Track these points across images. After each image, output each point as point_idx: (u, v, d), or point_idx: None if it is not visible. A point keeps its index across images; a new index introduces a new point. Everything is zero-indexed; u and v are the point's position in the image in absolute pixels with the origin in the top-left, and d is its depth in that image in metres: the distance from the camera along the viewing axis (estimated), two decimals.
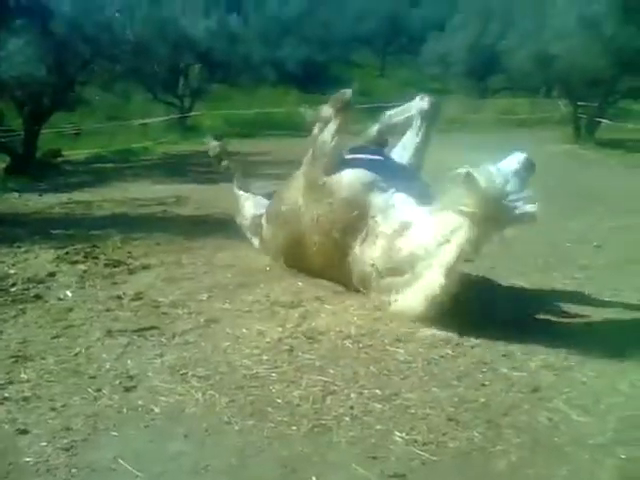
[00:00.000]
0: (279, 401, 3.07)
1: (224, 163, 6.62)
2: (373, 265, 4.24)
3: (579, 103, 15.42)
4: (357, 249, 4.37)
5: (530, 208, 3.52)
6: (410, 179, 4.59)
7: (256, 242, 5.76)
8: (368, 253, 4.28)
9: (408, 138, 4.98)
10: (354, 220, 4.36)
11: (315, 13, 27.08)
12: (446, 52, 23.26)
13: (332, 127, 4.69)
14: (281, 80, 22.81)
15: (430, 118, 4.89)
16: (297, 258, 4.95)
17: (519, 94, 21.37)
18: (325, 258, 4.65)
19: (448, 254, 3.70)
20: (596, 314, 4.19)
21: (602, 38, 13.35)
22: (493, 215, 3.55)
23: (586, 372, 3.35)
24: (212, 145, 6.72)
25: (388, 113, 5.16)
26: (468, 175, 3.57)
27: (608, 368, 3.40)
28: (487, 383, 3.26)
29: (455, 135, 16.12)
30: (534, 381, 3.26)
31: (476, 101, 21.66)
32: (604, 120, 15.17)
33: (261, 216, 5.59)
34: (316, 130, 4.84)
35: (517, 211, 3.53)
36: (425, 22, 28.86)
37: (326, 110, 4.84)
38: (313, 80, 22.78)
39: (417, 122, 4.92)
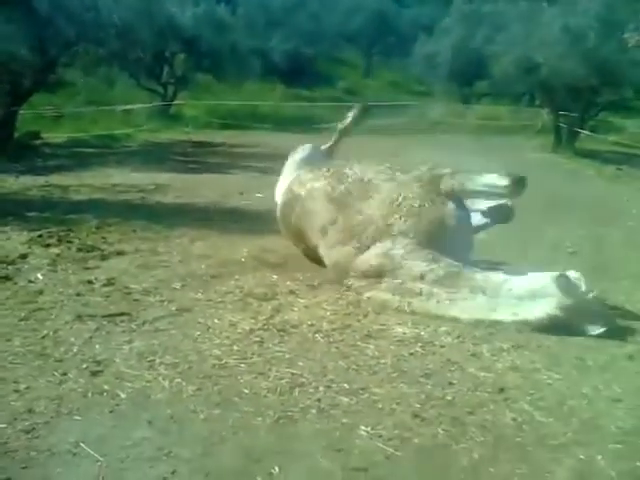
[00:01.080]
0: (246, 391, 3.07)
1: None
2: None
3: (560, 113, 15.61)
4: None
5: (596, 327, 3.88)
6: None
7: None
8: None
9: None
10: None
11: (305, 5, 27.00)
12: (432, 55, 23.34)
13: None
14: (266, 72, 22.69)
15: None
16: None
17: (502, 101, 21.56)
18: None
19: (530, 311, 3.91)
20: None
21: (584, 50, 13.54)
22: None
23: (552, 375, 3.40)
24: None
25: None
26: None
27: (573, 371, 3.46)
28: (454, 382, 3.29)
29: (438, 138, 16.27)
30: (501, 382, 3.30)
31: (460, 106, 21.82)
32: (584, 131, 15.38)
33: None
34: None
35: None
36: (414, 23, 28.96)
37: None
38: (298, 74, 22.72)
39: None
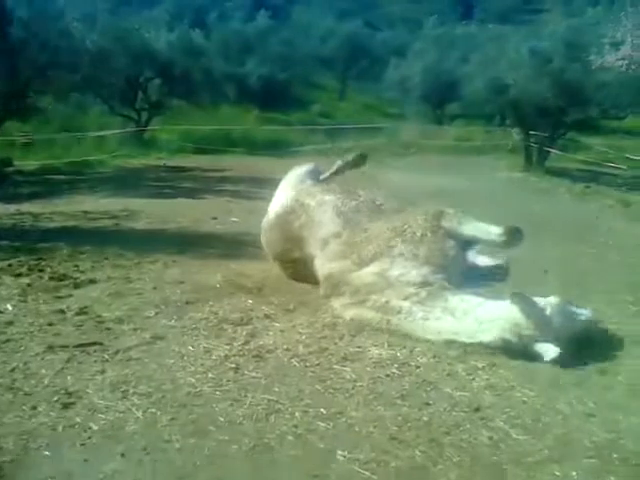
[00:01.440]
0: (222, 419, 3.04)
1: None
2: None
3: (530, 132, 15.93)
4: None
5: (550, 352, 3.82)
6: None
7: None
8: None
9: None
10: None
11: (279, 31, 27.28)
12: (405, 78, 23.71)
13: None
14: (241, 97, 22.79)
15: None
16: None
17: (474, 122, 21.94)
18: None
19: (487, 333, 3.97)
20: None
21: (551, 72, 13.90)
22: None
23: (526, 392, 3.43)
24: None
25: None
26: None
27: (547, 388, 3.49)
28: (431, 402, 3.29)
29: (411, 159, 16.47)
30: (476, 401, 3.32)
31: (433, 127, 22.13)
32: (554, 150, 15.70)
33: None
34: None
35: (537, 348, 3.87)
36: (387, 47, 29.45)
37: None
38: (273, 98, 22.85)
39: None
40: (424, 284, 4.35)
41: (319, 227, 5.13)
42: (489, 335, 3.96)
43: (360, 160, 6.28)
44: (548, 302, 4.04)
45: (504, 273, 5.07)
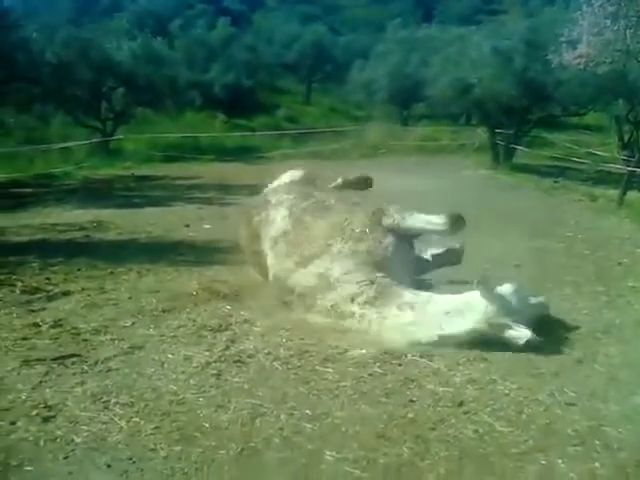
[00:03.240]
0: (207, 426, 3.01)
1: None
2: None
3: (496, 130, 16.19)
4: None
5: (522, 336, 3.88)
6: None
7: None
8: None
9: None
10: None
11: (241, 38, 27.21)
12: (370, 80, 23.87)
13: None
14: (207, 104, 22.65)
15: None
16: None
17: (440, 122, 22.20)
18: None
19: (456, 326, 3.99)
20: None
21: (513, 71, 14.16)
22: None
23: (508, 385, 3.47)
24: None
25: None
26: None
27: (528, 380, 3.54)
28: (415, 399, 3.31)
29: (379, 160, 16.59)
30: (460, 395, 3.35)
31: (399, 128, 22.32)
32: (520, 147, 15.98)
33: None
34: None
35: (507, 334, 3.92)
36: (350, 51, 29.61)
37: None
38: (239, 105, 22.76)
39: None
40: (368, 282, 4.35)
41: (271, 225, 5.15)
42: (458, 326, 3.97)
43: (363, 183, 5.98)
44: (506, 289, 4.11)
45: (459, 255, 5.23)
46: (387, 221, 4.73)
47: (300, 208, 5.08)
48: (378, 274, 4.41)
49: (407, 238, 4.84)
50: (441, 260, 5.27)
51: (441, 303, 4.14)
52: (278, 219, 5.12)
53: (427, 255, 5.23)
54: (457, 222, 4.63)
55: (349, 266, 4.46)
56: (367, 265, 4.48)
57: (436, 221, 4.66)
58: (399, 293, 4.27)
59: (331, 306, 4.36)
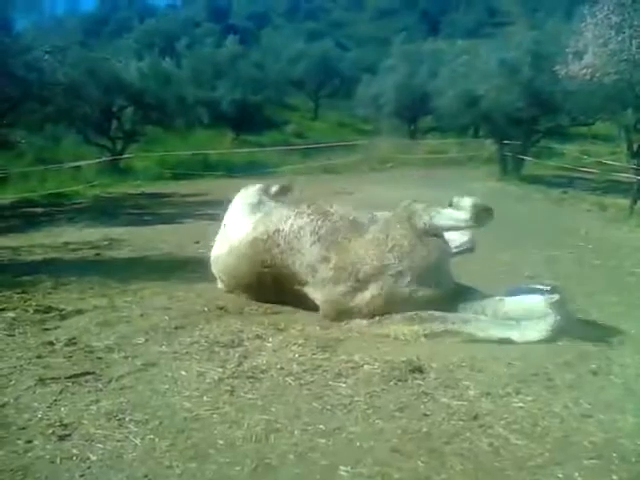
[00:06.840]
0: (221, 442, 3.00)
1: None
2: None
3: (504, 142, 16.21)
4: None
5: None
6: None
7: None
8: None
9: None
10: None
11: (248, 55, 27.52)
12: (377, 94, 24.01)
13: None
14: (215, 121, 22.88)
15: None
16: None
17: (448, 134, 22.27)
18: None
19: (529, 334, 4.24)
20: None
21: (521, 82, 14.20)
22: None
23: (523, 397, 3.45)
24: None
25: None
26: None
27: (543, 392, 3.51)
28: (429, 413, 3.29)
29: (388, 174, 16.64)
30: (474, 409, 3.33)
31: (407, 141, 22.40)
32: (528, 158, 15.98)
33: None
34: None
35: None
36: (357, 65, 29.85)
37: None
38: (247, 122, 22.96)
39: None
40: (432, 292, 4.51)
41: (301, 254, 4.98)
42: (536, 333, 4.23)
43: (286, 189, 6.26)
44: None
45: (472, 244, 5.27)
46: (420, 225, 4.70)
47: (326, 231, 4.95)
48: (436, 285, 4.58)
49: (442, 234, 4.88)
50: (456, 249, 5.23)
51: (510, 310, 4.38)
52: (306, 246, 4.97)
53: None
54: (485, 215, 4.63)
55: (412, 282, 4.54)
56: (425, 276, 4.57)
57: (463, 217, 4.63)
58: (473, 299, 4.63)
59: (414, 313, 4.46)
